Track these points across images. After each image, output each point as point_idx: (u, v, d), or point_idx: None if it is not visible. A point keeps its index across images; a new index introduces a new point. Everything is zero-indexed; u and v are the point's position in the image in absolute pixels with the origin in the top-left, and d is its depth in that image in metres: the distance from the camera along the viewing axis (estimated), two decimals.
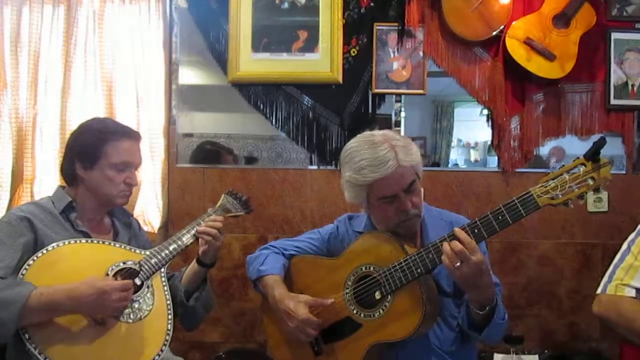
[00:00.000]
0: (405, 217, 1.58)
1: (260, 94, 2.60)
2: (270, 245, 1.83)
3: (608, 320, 1.68)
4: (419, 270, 1.49)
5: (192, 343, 2.53)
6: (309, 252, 1.81)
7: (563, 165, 1.39)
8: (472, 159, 3.30)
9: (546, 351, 2.46)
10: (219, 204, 1.84)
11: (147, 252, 1.64)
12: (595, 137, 2.54)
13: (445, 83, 2.65)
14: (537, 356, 2.28)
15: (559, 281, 2.55)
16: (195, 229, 1.71)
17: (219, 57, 2.61)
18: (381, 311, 1.55)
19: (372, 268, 1.58)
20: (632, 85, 2.58)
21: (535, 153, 2.62)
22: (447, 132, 3.20)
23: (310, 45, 2.57)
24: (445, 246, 1.41)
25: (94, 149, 1.64)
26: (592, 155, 1.34)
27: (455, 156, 3.28)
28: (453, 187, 2.58)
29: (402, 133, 2.61)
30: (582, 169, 1.35)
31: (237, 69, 2.56)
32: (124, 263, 1.59)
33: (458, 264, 1.39)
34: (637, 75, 2.58)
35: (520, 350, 2.23)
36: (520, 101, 2.57)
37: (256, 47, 2.57)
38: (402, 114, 2.62)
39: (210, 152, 2.66)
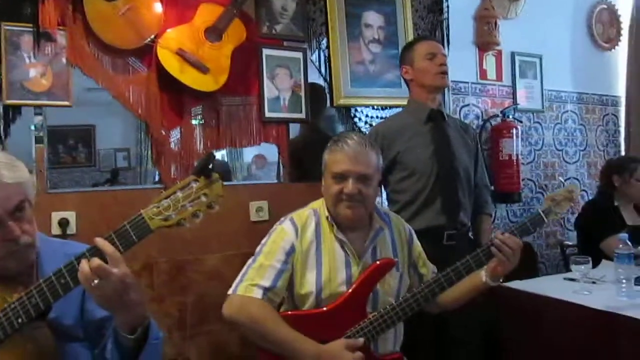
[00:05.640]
0: (15, 247, 1.28)
1: None
2: None
3: (239, 323, 1.69)
4: (19, 321, 1.23)
5: None
6: None
7: (176, 183, 1.30)
8: None
9: None
10: None
11: None
12: (258, 148, 2.72)
13: None
14: None
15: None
16: None
17: None
18: None
19: None
20: (284, 99, 2.74)
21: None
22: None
23: None
24: (83, 264, 1.18)
25: None
26: (202, 171, 1.27)
27: None
28: (112, 208, 2.32)
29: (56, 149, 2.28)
30: (195, 185, 1.28)
31: None
32: None
33: (96, 281, 1.17)
34: (287, 90, 2.74)
35: None
36: (178, 114, 2.48)
37: None
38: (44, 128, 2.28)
39: None
